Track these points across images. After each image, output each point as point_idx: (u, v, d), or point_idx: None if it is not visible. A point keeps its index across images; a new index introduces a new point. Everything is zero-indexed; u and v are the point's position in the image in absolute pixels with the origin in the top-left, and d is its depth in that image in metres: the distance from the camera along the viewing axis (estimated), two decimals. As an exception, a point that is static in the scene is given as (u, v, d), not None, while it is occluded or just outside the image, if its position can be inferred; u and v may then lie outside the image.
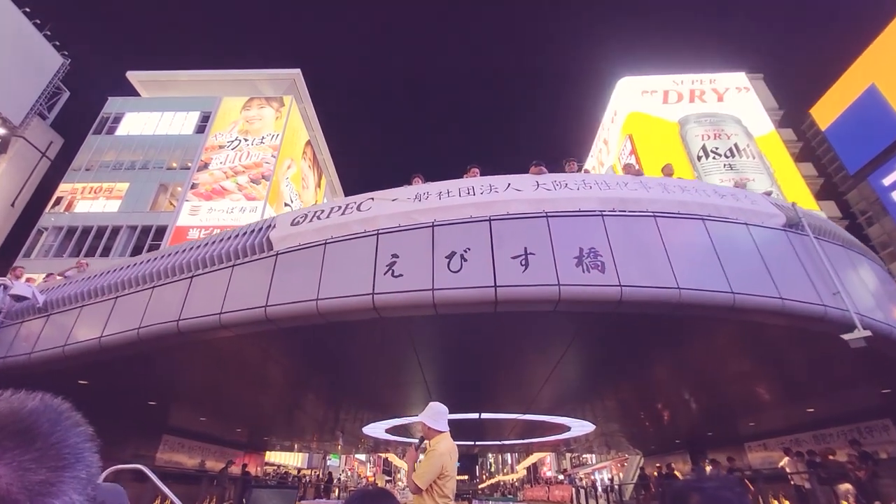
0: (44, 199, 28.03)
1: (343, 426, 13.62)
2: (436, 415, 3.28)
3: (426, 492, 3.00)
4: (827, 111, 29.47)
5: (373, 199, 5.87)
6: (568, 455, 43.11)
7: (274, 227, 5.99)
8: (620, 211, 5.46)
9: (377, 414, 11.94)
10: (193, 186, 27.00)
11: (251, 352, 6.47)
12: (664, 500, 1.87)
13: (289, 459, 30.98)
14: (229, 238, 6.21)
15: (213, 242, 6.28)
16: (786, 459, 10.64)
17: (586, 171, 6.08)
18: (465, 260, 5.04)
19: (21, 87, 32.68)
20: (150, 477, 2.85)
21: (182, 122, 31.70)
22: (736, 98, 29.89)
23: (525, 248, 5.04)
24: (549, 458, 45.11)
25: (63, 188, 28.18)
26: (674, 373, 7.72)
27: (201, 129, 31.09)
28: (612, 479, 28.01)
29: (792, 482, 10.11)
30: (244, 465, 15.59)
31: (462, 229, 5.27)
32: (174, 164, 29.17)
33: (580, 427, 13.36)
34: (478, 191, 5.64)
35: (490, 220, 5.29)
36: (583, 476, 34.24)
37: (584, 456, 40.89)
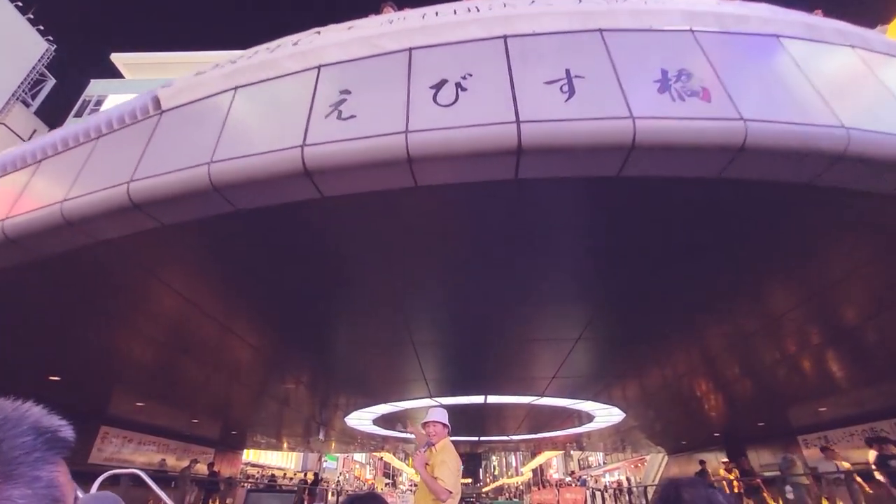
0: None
1: (320, 414, 11.46)
2: (443, 414, 3.34)
3: (431, 491, 2.93)
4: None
5: (319, 32, 3.76)
6: (576, 457, 40.89)
7: (170, 85, 3.88)
8: (720, 29, 3.34)
9: (357, 398, 9.77)
10: (174, 166, 25.05)
11: (133, 277, 4.34)
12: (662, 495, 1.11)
13: (283, 461, 28.87)
14: (105, 111, 4.11)
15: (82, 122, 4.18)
16: (872, 454, 8.42)
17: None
18: (464, 89, 2.92)
19: (0, 72, 30.80)
20: (147, 481, 2.54)
21: (166, 104, 29.72)
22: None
23: (567, 71, 2.92)
24: (555, 460, 42.83)
25: (36, 171, 26.25)
26: (772, 320, 5.48)
27: (186, 110, 29.17)
28: (628, 481, 25.70)
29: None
30: (210, 465, 13.46)
31: (459, 51, 3.16)
32: (156, 147, 27.20)
33: (606, 416, 11.17)
34: (484, 6, 3.51)
35: (505, 37, 3.18)
36: (596, 478, 31.89)
37: (590, 458, 38.69)
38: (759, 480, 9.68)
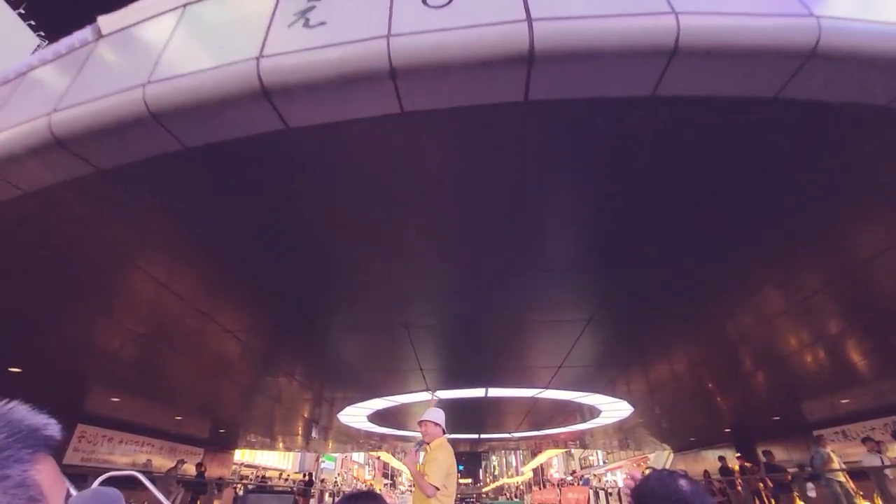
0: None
1: (312, 411, 10.88)
2: (439, 414, 3.36)
3: (418, 486, 3.02)
4: None
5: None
6: (577, 456, 40.35)
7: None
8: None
9: (348, 392, 9.19)
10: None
11: (85, 242, 3.77)
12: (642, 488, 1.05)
13: (280, 461, 28.27)
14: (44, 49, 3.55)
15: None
16: (900, 447, 7.90)
17: None
18: (460, -11, 2.35)
19: (-13, 66, 30.25)
20: (146, 483, 2.52)
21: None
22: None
23: (588, -32, 2.35)
24: (556, 459, 42.31)
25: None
26: (805, 297, 4.90)
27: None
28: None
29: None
30: (199, 465, 12.88)
31: (453, -49, 2.59)
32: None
33: (613, 410, 10.62)
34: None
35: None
36: (598, 477, 31.35)
37: (591, 457, 38.16)
38: (789, 477, 9.12)
